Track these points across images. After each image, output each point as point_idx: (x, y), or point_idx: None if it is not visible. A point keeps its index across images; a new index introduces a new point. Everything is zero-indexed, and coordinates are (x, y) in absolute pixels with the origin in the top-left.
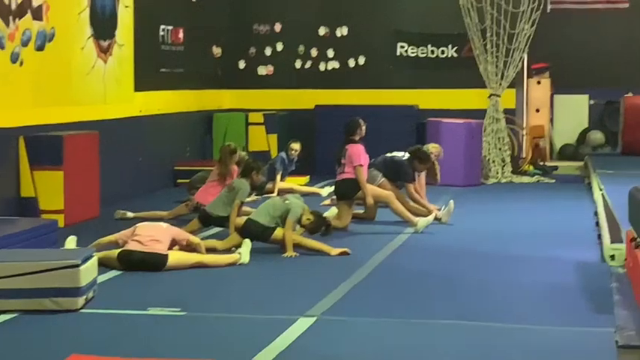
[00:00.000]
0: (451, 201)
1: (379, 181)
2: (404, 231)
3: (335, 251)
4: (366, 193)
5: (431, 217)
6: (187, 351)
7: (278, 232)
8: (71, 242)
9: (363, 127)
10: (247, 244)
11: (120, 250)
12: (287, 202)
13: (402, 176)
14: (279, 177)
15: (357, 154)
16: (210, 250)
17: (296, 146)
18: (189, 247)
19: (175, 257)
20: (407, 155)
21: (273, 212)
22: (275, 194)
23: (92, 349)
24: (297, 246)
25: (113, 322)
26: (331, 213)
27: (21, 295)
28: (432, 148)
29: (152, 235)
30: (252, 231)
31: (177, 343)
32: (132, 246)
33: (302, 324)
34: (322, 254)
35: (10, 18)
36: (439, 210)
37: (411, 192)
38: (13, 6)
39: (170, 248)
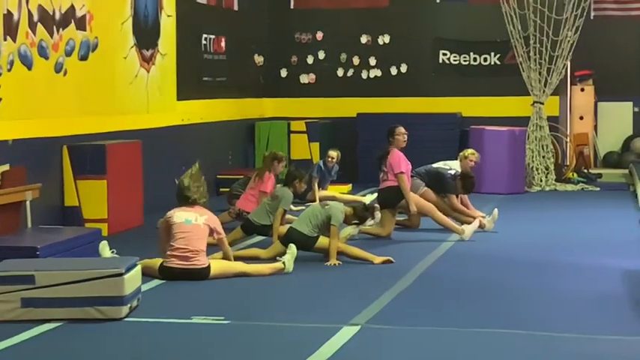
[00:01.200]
0: (495, 209)
1: (421, 190)
2: (448, 239)
3: (378, 259)
4: (409, 200)
5: (476, 223)
6: None
7: (322, 241)
8: (104, 247)
9: (397, 133)
10: (292, 252)
11: (162, 262)
12: (327, 207)
13: (446, 189)
14: (316, 185)
15: (397, 161)
16: (254, 259)
17: (333, 154)
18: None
19: (218, 267)
20: (453, 170)
21: (315, 220)
22: (316, 202)
23: (137, 358)
24: (340, 254)
25: (157, 330)
26: (375, 218)
27: (66, 304)
28: (471, 155)
29: (190, 246)
30: (295, 240)
31: (222, 351)
32: (172, 262)
33: (346, 332)
34: (366, 262)
35: (54, 28)
36: (484, 217)
37: (454, 203)
38: (57, 16)
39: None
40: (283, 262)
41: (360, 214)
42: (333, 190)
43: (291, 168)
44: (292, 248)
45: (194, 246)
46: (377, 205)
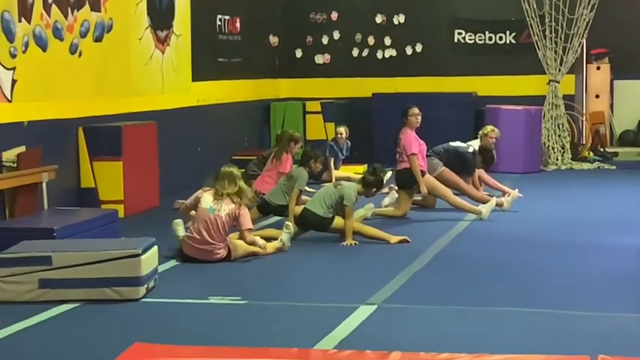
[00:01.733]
0: (516, 189)
1: (439, 170)
2: (464, 218)
3: (395, 239)
4: (420, 182)
5: (492, 202)
6: (249, 339)
7: (338, 221)
8: (179, 226)
9: (410, 114)
10: (290, 230)
11: (181, 245)
12: (339, 187)
13: (466, 169)
14: (332, 164)
15: (409, 142)
16: (270, 239)
17: (341, 129)
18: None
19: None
20: (471, 147)
21: (329, 201)
22: (330, 183)
23: (155, 338)
24: (356, 234)
25: (175, 311)
26: (391, 197)
27: (83, 285)
28: (491, 132)
29: (208, 238)
30: (310, 220)
31: (239, 331)
32: (190, 251)
33: (363, 312)
34: (382, 242)
35: (69, 9)
36: (514, 190)
37: (475, 181)
38: None
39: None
40: (281, 241)
41: (370, 180)
42: (348, 171)
43: (306, 148)
44: (289, 227)
45: (212, 238)
46: (378, 165)
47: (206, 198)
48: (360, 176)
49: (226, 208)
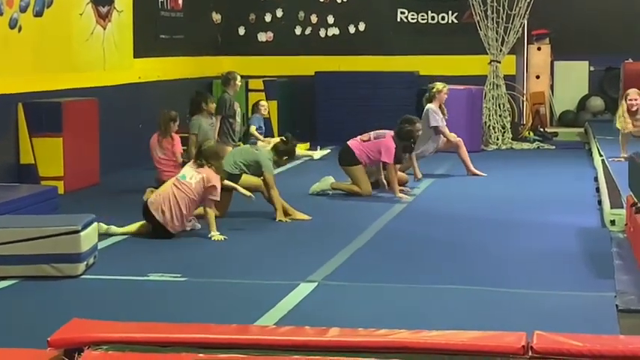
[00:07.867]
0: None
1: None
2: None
3: (300, 215)
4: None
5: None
6: (188, 316)
7: (245, 178)
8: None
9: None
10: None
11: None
12: (257, 152)
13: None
14: (257, 136)
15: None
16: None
17: (264, 102)
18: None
19: None
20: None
21: (239, 159)
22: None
23: (94, 315)
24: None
25: (114, 287)
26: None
27: (22, 262)
28: (444, 87)
29: (165, 202)
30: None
31: (179, 308)
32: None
33: (303, 289)
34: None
35: None
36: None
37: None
38: None
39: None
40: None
41: (282, 149)
42: None
43: (193, 96)
44: None
45: (167, 205)
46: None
47: (183, 169)
48: (272, 145)
49: (197, 176)
